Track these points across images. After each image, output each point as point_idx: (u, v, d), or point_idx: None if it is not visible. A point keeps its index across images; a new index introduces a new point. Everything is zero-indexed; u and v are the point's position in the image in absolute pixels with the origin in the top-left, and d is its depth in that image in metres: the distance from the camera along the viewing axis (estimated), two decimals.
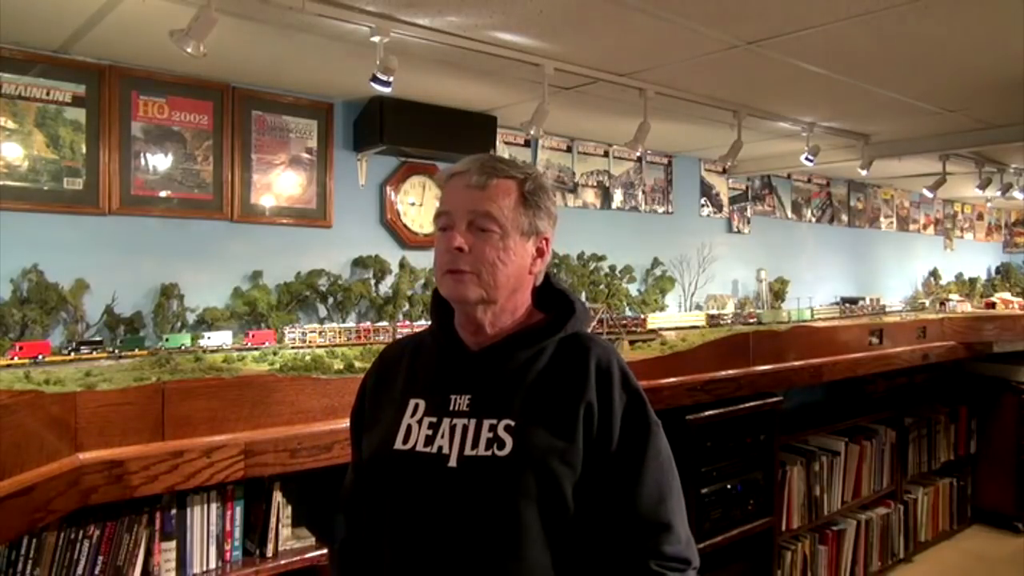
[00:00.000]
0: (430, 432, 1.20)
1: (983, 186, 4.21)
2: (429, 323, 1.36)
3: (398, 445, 1.21)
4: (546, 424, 1.17)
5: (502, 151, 3.21)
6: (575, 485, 1.16)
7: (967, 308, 5.06)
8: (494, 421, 1.17)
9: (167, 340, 2.16)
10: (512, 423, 1.16)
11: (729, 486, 3.12)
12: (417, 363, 1.31)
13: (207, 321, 2.38)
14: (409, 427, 1.22)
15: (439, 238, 1.25)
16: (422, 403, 1.23)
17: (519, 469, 1.14)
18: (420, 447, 1.19)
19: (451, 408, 1.21)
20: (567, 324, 1.26)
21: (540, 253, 1.27)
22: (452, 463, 1.16)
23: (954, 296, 5.29)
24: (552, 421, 1.17)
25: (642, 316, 3.33)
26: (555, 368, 1.23)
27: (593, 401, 1.19)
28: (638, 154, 3.74)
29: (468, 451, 1.16)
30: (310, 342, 2.36)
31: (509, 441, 1.15)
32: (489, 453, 1.15)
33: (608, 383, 1.22)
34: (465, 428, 1.18)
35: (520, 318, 1.28)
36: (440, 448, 1.18)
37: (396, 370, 1.33)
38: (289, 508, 2.11)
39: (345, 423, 2.04)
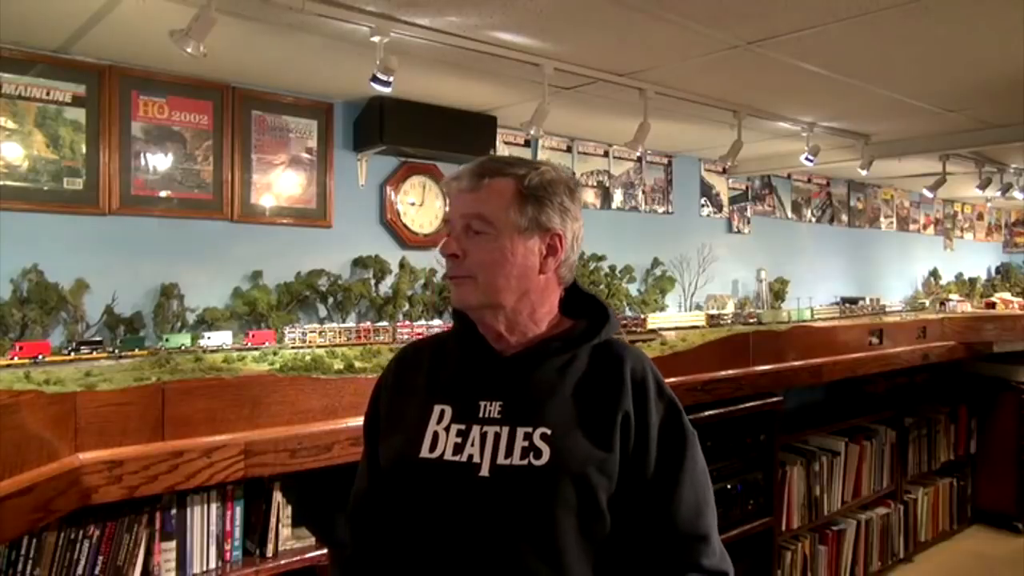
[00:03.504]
0: (459, 440, 1.15)
1: (983, 186, 4.21)
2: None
3: (424, 453, 1.16)
4: (584, 433, 1.14)
5: (502, 151, 3.21)
6: (611, 496, 1.14)
7: (967, 308, 5.06)
8: (529, 429, 1.13)
9: (167, 340, 2.16)
10: (548, 431, 1.13)
11: (729, 486, 3.12)
12: (440, 367, 1.27)
13: (207, 321, 2.38)
14: (436, 434, 1.17)
15: None
16: (449, 409, 1.19)
17: (558, 479, 1.10)
18: (449, 455, 1.14)
19: (481, 415, 1.17)
20: (602, 330, 1.23)
21: (552, 251, 1.21)
22: (484, 472, 1.12)
23: (954, 296, 5.29)
24: (590, 430, 1.14)
25: (642, 316, 3.33)
26: (590, 376, 1.20)
27: (630, 411, 1.17)
28: (638, 154, 3.74)
29: (501, 460, 1.12)
30: (310, 342, 2.36)
31: (547, 450, 1.11)
32: (525, 462, 1.11)
33: (644, 393, 1.19)
34: (497, 436, 1.14)
35: (550, 323, 1.24)
36: (471, 456, 1.13)
37: (416, 374, 1.28)
38: (289, 508, 2.11)
39: (345, 423, 2.06)
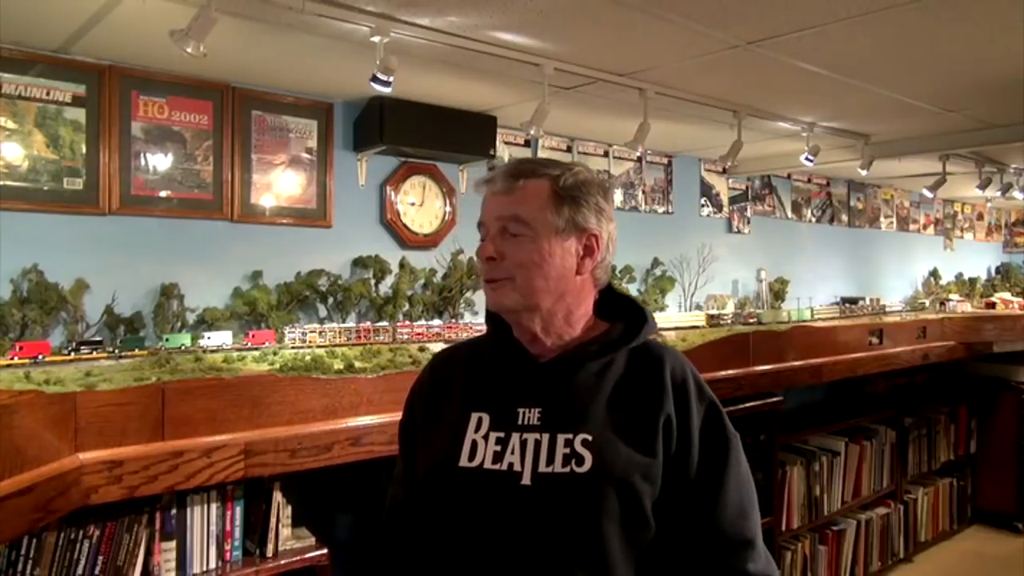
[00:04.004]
0: (498, 448, 1.14)
1: (983, 186, 4.21)
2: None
3: (463, 462, 1.14)
4: (626, 438, 1.12)
5: (502, 151, 3.21)
6: (655, 502, 1.12)
7: (967, 308, 5.06)
8: (570, 436, 1.12)
9: (167, 340, 2.16)
10: (590, 437, 1.11)
11: None
12: (475, 373, 1.26)
13: (207, 321, 2.38)
14: (474, 443, 1.16)
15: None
16: (486, 417, 1.17)
17: (601, 486, 1.09)
18: (488, 464, 1.13)
19: (520, 422, 1.15)
20: (640, 332, 1.22)
21: (589, 251, 1.20)
22: (526, 481, 1.10)
23: (954, 296, 5.29)
24: (632, 435, 1.13)
25: None
26: (630, 379, 1.18)
27: (672, 414, 1.15)
28: (638, 154, 3.74)
29: (543, 468, 1.10)
30: (310, 342, 2.36)
31: (588, 456, 1.10)
32: (567, 470, 1.09)
33: (685, 395, 1.18)
34: (538, 443, 1.12)
35: (585, 326, 1.23)
36: (511, 465, 1.12)
37: (451, 381, 1.27)
38: (289, 508, 2.11)
39: (345, 423, 2.06)
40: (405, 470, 1.30)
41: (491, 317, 1.28)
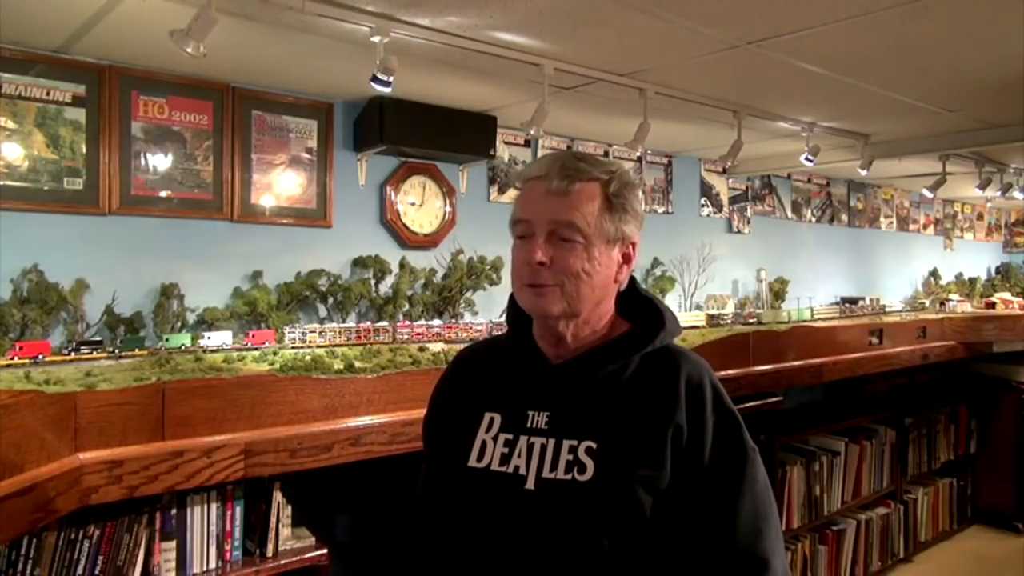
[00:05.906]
0: (506, 450, 1.14)
1: (983, 186, 4.21)
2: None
3: (472, 462, 1.15)
4: (631, 448, 1.10)
5: (502, 151, 3.21)
6: (661, 515, 1.09)
7: (967, 308, 5.07)
8: (574, 442, 1.11)
9: (167, 340, 2.16)
10: (594, 445, 1.10)
11: None
12: (493, 372, 1.26)
13: (207, 321, 2.38)
14: (484, 443, 1.16)
15: (517, 247, 1.17)
16: (498, 418, 1.17)
17: (601, 496, 1.07)
18: (495, 466, 1.13)
19: (528, 425, 1.15)
20: (656, 338, 1.19)
21: (627, 259, 1.20)
22: (529, 485, 1.10)
23: (954, 296, 5.29)
24: (637, 445, 1.10)
25: None
26: (641, 385, 1.16)
27: (683, 424, 1.12)
28: (638, 154, 3.73)
29: (547, 473, 1.10)
30: (310, 342, 2.36)
31: (591, 465, 1.09)
32: (569, 477, 1.08)
33: (700, 403, 1.14)
34: (543, 448, 1.12)
35: (603, 329, 1.21)
36: (517, 468, 1.12)
37: (470, 378, 1.27)
38: (289, 508, 2.11)
39: (345, 423, 2.07)
40: (427, 466, 1.31)
41: (512, 316, 1.27)
